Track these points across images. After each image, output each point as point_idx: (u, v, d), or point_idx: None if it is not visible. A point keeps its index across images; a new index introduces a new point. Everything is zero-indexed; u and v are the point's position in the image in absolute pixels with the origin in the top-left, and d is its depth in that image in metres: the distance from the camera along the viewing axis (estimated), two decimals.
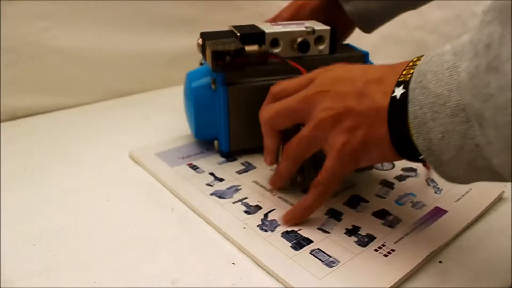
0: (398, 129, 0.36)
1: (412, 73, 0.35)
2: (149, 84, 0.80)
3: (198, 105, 0.54)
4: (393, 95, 0.36)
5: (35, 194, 0.49)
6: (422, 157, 0.36)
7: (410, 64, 0.37)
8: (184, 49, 0.79)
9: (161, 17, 0.79)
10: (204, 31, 0.55)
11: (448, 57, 0.32)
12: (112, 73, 0.76)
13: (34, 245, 0.41)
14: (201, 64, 0.60)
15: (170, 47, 0.81)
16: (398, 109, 0.35)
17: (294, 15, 0.62)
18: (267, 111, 0.45)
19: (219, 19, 0.84)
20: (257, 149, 0.55)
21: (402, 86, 0.35)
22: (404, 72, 0.36)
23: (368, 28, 0.61)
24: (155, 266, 0.39)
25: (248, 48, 0.49)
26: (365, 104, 0.38)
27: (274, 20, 0.63)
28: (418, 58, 0.37)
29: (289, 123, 0.44)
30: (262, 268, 0.39)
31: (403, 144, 0.36)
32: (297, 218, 0.44)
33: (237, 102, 0.53)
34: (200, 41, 0.53)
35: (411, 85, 0.34)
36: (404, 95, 0.35)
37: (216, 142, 0.56)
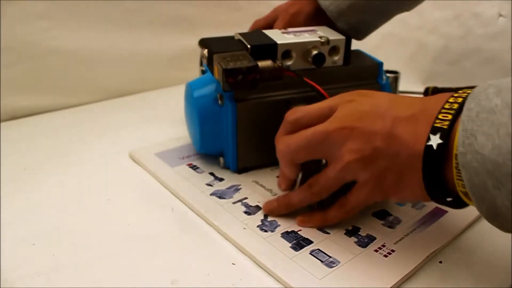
0: (434, 179, 0.35)
1: (451, 119, 0.33)
2: (149, 84, 0.80)
3: (204, 118, 0.50)
4: (428, 143, 0.34)
5: (35, 194, 0.49)
6: (450, 199, 0.35)
7: (446, 106, 0.34)
8: (184, 49, 0.79)
9: (161, 17, 0.79)
10: (206, 37, 0.51)
11: (503, 119, 0.29)
12: (112, 73, 0.76)
13: (34, 244, 0.41)
14: (203, 71, 0.56)
15: (170, 47, 0.81)
16: (434, 160, 0.34)
17: (287, 25, 0.59)
18: (286, 144, 0.42)
19: (219, 19, 0.84)
20: (267, 166, 0.53)
21: (439, 135, 0.33)
22: (440, 117, 0.34)
23: (361, 37, 0.59)
24: (155, 266, 0.39)
25: (261, 63, 0.45)
26: (395, 147, 0.36)
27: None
28: (455, 99, 0.34)
29: (309, 157, 0.42)
30: (262, 268, 0.39)
31: (438, 191, 0.35)
32: (314, 225, 0.43)
33: (246, 119, 0.49)
34: (206, 52, 0.49)
35: (460, 149, 0.31)
36: (442, 147, 0.33)
37: (221, 159, 0.52)
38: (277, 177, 0.51)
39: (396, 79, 0.76)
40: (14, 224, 0.44)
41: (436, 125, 0.34)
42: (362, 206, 0.42)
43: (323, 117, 0.40)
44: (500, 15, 0.78)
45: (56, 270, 0.38)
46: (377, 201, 0.41)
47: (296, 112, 0.42)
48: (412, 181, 0.36)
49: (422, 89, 0.75)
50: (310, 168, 0.43)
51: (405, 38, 0.89)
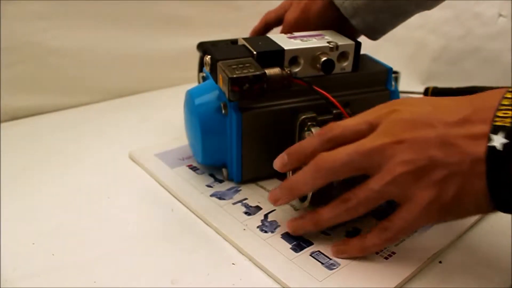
0: (501, 184, 0.32)
1: None
2: (149, 84, 0.80)
3: (206, 126, 0.47)
4: (490, 144, 0.31)
5: (35, 194, 0.49)
6: None
7: (505, 102, 0.31)
8: (184, 49, 0.79)
9: (161, 17, 0.79)
10: (205, 41, 0.49)
11: None
12: (112, 73, 0.75)
13: (33, 244, 0.41)
14: (203, 78, 0.53)
15: (170, 47, 0.81)
16: (500, 162, 0.31)
17: (300, 16, 0.56)
18: (330, 161, 0.37)
19: (219, 19, 0.84)
20: (272, 177, 0.51)
21: (503, 134, 0.30)
22: (499, 114, 0.31)
23: (377, 37, 0.56)
24: (155, 266, 0.39)
25: (268, 71, 0.43)
26: (453, 154, 0.33)
27: (278, 23, 0.60)
28: None
29: (350, 174, 0.38)
30: (262, 269, 0.39)
31: (505, 196, 0.32)
32: (351, 255, 0.40)
33: (252, 129, 0.47)
34: (209, 58, 0.46)
35: None
36: (509, 147, 0.30)
37: (224, 171, 0.51)
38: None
39: (396, 79, 0.76)
40: (14, 224, 0.44)
41: (496, 123, 0.31)
42: (409, 230, 0.38)
43: (361, 134, 0.37)
44: (500, 15, 0.78)
45: (56, 270, 0.38)
46: (426, 224, 0.37)
47: (333, 129, 0.39)
48: (475, 190, 0.33)
49: (422, 89, 0.75)
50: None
51: (405, 38, 0.89)
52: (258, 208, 0.46)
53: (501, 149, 0.30)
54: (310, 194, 0.41)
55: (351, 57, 0.49)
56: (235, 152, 0.48)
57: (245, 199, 0.48)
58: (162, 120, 0.66)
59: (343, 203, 0.38)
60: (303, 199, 0.43)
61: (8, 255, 0.40)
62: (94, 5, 0.71)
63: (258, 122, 0.47)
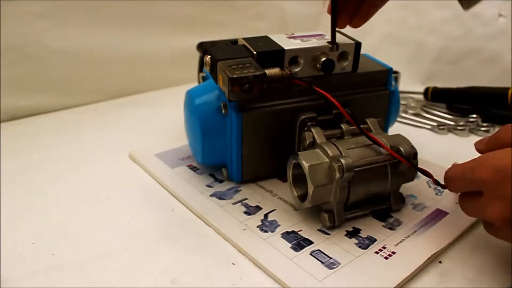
0: None
1: None
2: (149, 84, 0.80)
3: (206, 126, 0.47)
4: None
5: (35, 194, 0.49)
6: None
7: None
8: (184, 49, 0.79)
9: (161, 17, 0.79)
10: (205, 41, 0.49)
11: None
12: (112, 73, 0.76)
13: (33, 244, 0.41)
14: (203, 77, 0.53)
15: (170, 47, 0.81)
16: None
17: None
18: None
19: (219, 19, 0.84)
20: (271, 177, 0.51)
21: None
22: None
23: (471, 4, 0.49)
24: (155, 266, 0.39)
25: (268, 71, 0.43)
26: None
27: None
28: None
29: None
30: (262, 269, 0.39)
31: None
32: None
33: (252, 129, 0.47)
34: (209, 58, 0.46)
35: None
36: None
37: (224, 171, 0.51)
38: (284, 181, 0.51)
39: (396, 79, 0.76)
40: (14, 223, 0.44)
41: None
42: None
43: None
44: (500, 15, 0.78)
45: (56, 269, 0.38)
46: None
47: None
48: None
49: (422, 89, 0.75)
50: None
51: (404, 38, 0.89)
52: (258, 208, 0.46)
53: None
54: (311, 192, 0.41)
55: (351, 57, 0.49)
56: (235, 152, 0.48)
57: (245, 199, 0.48)
58: (162, 120, 0.66)
59: None
60: (303, 199, 0.43)
61: (8, 254, 0.40)
62: (94, 5, 0.71)
63: (258, 122, 0.47)
